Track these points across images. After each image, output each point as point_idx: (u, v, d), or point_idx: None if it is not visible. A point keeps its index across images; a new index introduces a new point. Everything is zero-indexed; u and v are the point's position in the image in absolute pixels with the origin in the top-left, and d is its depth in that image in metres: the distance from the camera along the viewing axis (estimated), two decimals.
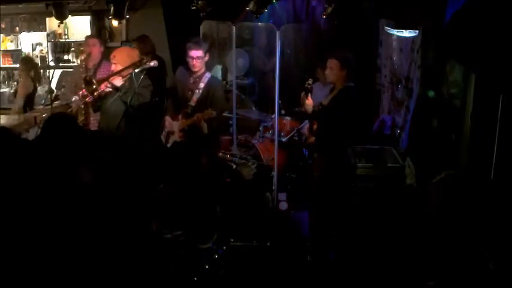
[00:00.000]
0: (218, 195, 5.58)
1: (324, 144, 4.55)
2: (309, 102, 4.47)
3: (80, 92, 5.18)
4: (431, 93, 4.53)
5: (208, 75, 4.82)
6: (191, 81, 4.82)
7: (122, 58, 4.78)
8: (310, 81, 4.52)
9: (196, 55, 4.71)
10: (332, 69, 4.47)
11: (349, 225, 4.19)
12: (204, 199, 4.88)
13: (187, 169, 4.95)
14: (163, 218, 3.92)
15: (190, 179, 4.89)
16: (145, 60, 4.74)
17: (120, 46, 6.35)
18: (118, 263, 3.34)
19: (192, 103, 4.79)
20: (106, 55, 5.55)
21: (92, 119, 5.32)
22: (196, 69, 4.78)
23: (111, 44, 7.35)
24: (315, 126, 4.74)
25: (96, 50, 5.50)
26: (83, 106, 5.26)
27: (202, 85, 4.75)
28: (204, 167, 4.95)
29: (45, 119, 3.28)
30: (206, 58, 4.77)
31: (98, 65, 5.48)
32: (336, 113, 4.40)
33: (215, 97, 4.76)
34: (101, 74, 5.41)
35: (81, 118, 5.32)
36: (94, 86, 4.57)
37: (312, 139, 4.84)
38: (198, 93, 4.75)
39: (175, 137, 4.92)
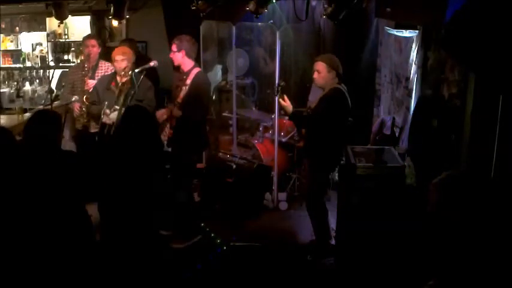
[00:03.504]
0: (217, 194, 5.59)
1: (312, 149, 4.55)
2: (285, 103, 4.46)
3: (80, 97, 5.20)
4: (428, 92, 4.53)
5: (195, 71, 4.77)
6: (180, 78, 4.82)
7: (129, 55, 4.81)
8: (282, 83, 4.54)
9: (171, 49, 4.76)
10: (320, 72, 4.42)
11: (349, 226, 4.19)
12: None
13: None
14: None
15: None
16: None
17: (120, 44, 6.33)
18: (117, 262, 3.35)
19: (179, 100, 4.75)
20: (106, 55, 5.54)
21: (92, 121, 5.33)
22: (174, 64, 4.81)
23: (111, 44, 7.36)
24: (303, 130, 4.70)
25: (95, 50, 5.49)
26: (85, 109, 5.27)
27: (188, 82, 4.72)
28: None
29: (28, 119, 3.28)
30: (181, 54, 4.71)
31: (96, 66, 5.48)
32: (323, 112, 4.37)
33: (199, 93, 4.71)
34: (99, 75, 5.41)
35: (83, 121, 5.32)
36: None
37: (301, 144, 4.81)
38: (184, 90, 4.72)
39: (167, 134, 4.91)
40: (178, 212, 4.79)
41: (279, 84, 4.53)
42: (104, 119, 4.71)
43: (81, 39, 5.81)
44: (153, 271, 3.39)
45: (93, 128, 5.28)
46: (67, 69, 6.34)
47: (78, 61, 5.97)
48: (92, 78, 5.34)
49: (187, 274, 4.09)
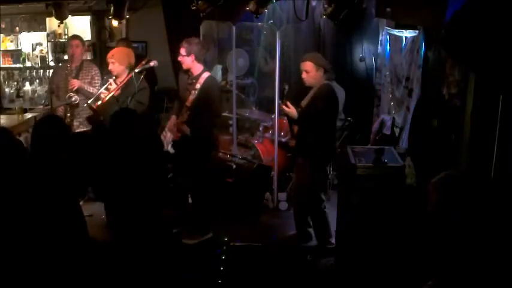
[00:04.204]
0: (218, 194, 5.59)
1: (310, 146, 4.56)
2: (288, 109, 4.47)
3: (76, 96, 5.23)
4: (429, 92, 4.54)
5: (205, 75, 4.75)
6: (189, 81, 4.80)
7: (121, 57, 4.79)
8: (286, 86, 4.55)
9: (180, 52, 4.72)
10: (308, 72, 4.47)
11: (349, 225, 4.19)
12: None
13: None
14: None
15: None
16: (143, 63, 4.74)
17: (117, 44, 6.36)
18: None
19: (188, 104, 4.74)
20: (106, 55, 5.56)
21: (75, 122, 5.36)
22: (183, 67, 4.77)
23: (111, 44, 7.37)
24: (295, 129, 4.70)
25: (79, 51, 5.52)
26: (69, 109, 5.29)
27: (198, 86, 4.70)
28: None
29: (35, 123, 3.31)
30: (191, 58, 4.67)
31: (80, 66, 5.49)
32: (315, 108, 4.42)
33: (209, 98, 4.70)
34: (83, 75, 5.43)
35: (66, 121, 5.33)
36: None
37: (293, 142, 4.80)
38: (194, 94, 4.71)
39: (173, 136, 4.93)
40: (190, 210, 4.84)
41: (283, 88, 4.54)
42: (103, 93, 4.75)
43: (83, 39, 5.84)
44: (158, 268, 3.39)
45: (76, 128, 5.34)
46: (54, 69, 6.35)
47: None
48: (76, 78, 5.37)
49: (188, 274, 4.09)
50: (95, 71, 5.54)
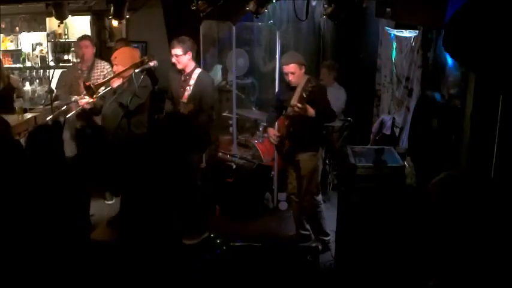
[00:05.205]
0: (217, 194, 5.59)
1: (313, 140, 4.60)
2: (308, 107, 4.38)
3: (79, 97, 5.21)
4: (429, 92, 4.55)
5: (198, 71, 4.81)
6: (182, 79, 4.84)
7: (123, 59, 4.80)
8: (309, 88, 4.49)
9: (174, 53, 4.73)
10: (294, 73, 4.50)
11: (349, 225, 4.18)
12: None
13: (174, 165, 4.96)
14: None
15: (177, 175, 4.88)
16: (146, 61, 4.75)
17: (116, 44, 6.35)
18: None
19: (184, 100, 4.78)
20: (106, 55, 5.57)
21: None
22: (179, 67, 4.79)
23: (111, 44, 7.36)
24: (290, 129, 4.65)
25: (89, 51, 5.52)
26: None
27: (192, 82, 4.76)
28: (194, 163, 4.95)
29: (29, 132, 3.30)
30: (188, 56, 4.72)
31: (92, 66, 5.49)
32: (322, 101, 4.48)
33: (204, 93, 4.76)
34: (95, 75, 5.43)
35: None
36: (93, 91, 4.64)
37: (288, 143, 4.73)
38: (189, 90, 4.75)
39: None
40: (189, 209, 4.84)
41: (311, 86, 4.44)
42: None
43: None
44: (159, 268, 3.40)
45: None
46: (66, 69, 6.35)
47: (78, 61, 6.02)
48: (88, 79, 5.35)
49: (188, 273, 4.09)
50: (107, 69, 5.53)
